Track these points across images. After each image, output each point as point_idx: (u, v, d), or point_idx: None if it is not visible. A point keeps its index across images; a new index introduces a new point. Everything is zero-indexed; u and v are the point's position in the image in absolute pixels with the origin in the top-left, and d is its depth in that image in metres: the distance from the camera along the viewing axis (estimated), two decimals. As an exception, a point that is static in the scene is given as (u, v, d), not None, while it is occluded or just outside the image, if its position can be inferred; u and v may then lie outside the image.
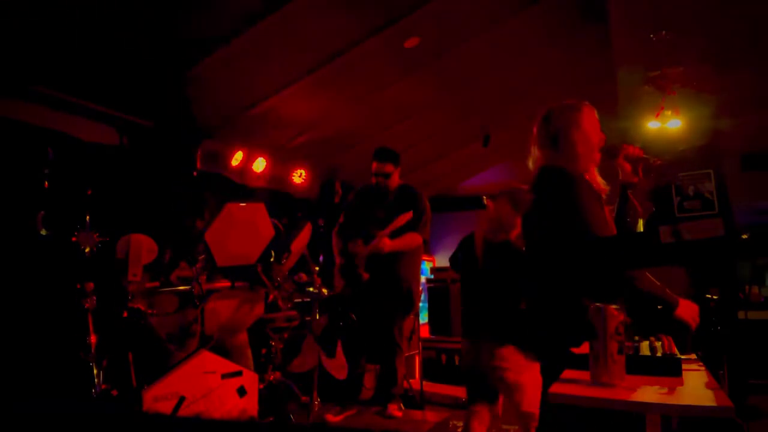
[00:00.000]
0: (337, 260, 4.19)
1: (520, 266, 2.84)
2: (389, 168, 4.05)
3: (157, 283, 3.02)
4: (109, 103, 3.75)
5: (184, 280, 3.19)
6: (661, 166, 2.22)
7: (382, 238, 3.83)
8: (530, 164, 2.36)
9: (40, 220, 2.62)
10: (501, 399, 3.02)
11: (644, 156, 2.31)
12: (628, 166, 2.34)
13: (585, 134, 2.25)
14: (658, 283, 1.97)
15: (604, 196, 2.24)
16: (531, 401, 2.79)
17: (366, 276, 3.94)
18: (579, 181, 2.13)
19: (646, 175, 2.29)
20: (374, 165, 4.06)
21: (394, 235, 3.88)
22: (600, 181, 2.27)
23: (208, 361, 2.82)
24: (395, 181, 4.13)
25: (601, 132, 2.31)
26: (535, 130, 2.36)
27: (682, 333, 2.04)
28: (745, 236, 1.51)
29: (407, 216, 3.84)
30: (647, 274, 2.00)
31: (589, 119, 2.30)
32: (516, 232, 2.99)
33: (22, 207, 3.00)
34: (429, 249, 4.48)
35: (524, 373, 2.81)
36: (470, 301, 3.10)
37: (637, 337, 1.91)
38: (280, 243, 3.42)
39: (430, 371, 5.51)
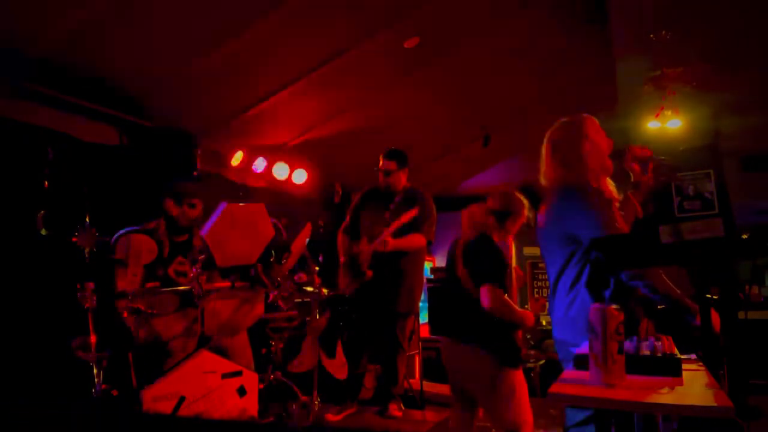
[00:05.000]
0: (342, 259, 4.20)
1: (490, 261, 2.84)
2: (392, 166, 4.06)
3: (157, 283, 3.02)
4: (108, 103, 3.75)
5: (181, 274, 3.19)
6: (666, 165, 2.25)
7: (386, 236, 3.84)
8: (542, 180, 2.41)
9: (40, 220, 2.62)
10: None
11: (651, 155, 2.34)
12: (637, 167, 2.37)
13: (593, 144, 2.30)
14: (678, 290, 2.01)
15: (616, 204, 2.29)
16: (508, 406, 2.78)
17: (370, 274, 3.94)
18: (590, 190, 2.18)
19: (656, 174, 2.32)
20: (381, 162, 4.09)
21: (398, 235, 3.89)
22: (612, 189, 2.31)
23: (208, 361, 2.82)
24: (401, 182, 4.14)
25: (608, 138, 2.35)
26: (543, 148, 2.40)
27: (687, 333, 2.06)
28: (745, 236, 1.51)
29: (412, 213, 3.84)
30: (662, 275, 2.04)
31: (594, 129, 2.34)
32: (499, 235, 3.00)
33: (22, 207, 3.00)
34: (429, 249, 4.48)
35: (503, 377, 2.80)
36: (447, 300, 3.10)
37: (635, 337, 1.92)
38: (280, 243, 3.43)
39: (430, 371, 5.52)
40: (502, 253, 2.94)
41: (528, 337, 5.88)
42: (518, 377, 2.85)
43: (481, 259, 2.87)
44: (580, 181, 2.23)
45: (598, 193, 2.21)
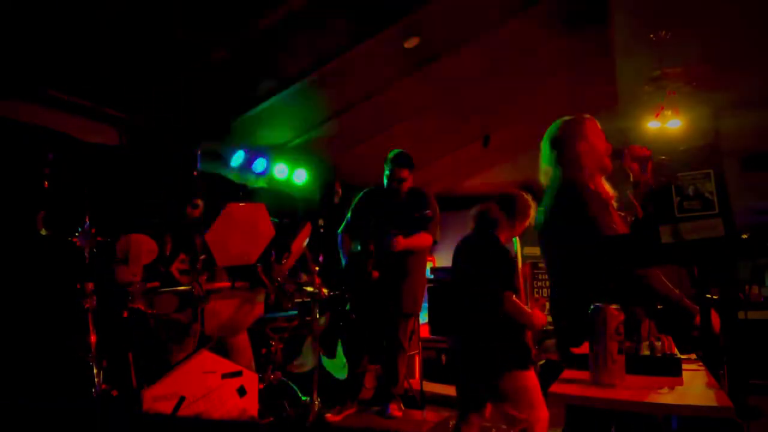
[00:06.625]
0: (344, 259, 4.20)
1: (500, 263, 2.84)
2: (405, 174, 4.06)
3: (157, 283, 3.02)
4: (109, 103, 3.75)
5: (185, 273, 3.19)
6: (665, 165, 2.26)
7: (397, 236, 3.83)
8: (541, 179, 2.42)
9: (40, 220, 2.62)
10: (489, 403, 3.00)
11: (650, 154, 2.35)
12: (636, 166, 2.38)
13: (590, 145, 2.31)
14: (677, 291, 2.02)
15: (613, 203, 2.30)
16: (521, 406, 2.78)
17: (376, 274, 3.93)
18: (587, 191, 2.18)
19: (655, 173, 2.33)
20: (394, 170, 4.04)
21: (405, 235, 3.89)
22: (608, 189, 2.32)
23: (208, 361, 2.82)
24: (407, 185, 4.15)
25: (606, 141, 2.36)
26: (542, 147, 2.42)
27: (687, 333, 2.06)
28: (745, 236, 1.51)
29: (426, 216, 3.84)
30: (661, 276, 2.04)
31: (593, 130, 2.36)
32: (506, 235, 3.00)
33: (22, 207, 3.00)
34: (430, 249, 4.48)
35: (513, 378, 2.79)
36: (456, 301, 3.09)
37: (635, 337, 1.92)
38: (280, 243, 3.42)
39: (430, 371, 5.51)
40: (511, 254, 2.94)
41: (528, 337, 5.88)
42: (529, 377, 2.84)
43: (491, 261, 2.87)
44: (577, 182, 2.24)
45: (594, 193, 2.22)
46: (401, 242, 3.84)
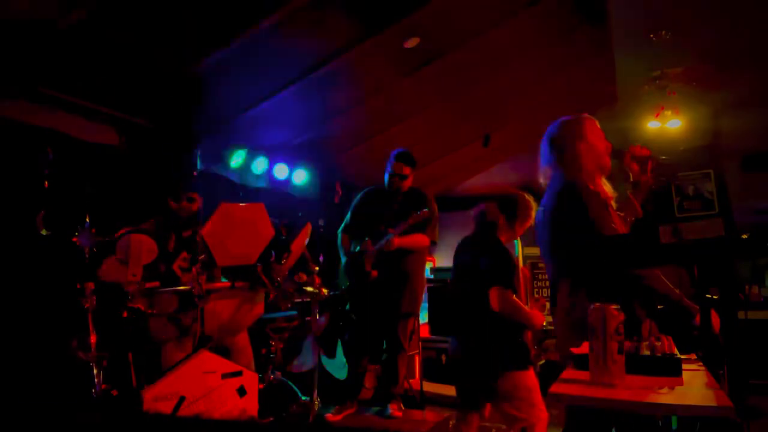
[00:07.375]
0: (344, 258, 4.20)
1: (500, 263, 2.84)
2: (407, 171, 4.07)
3: (157, 283, 3.01)
4: (108, 103, 3.75)
5: (186, 270, 3.20)
6: (666, 165, 2.28)
7: (392, 235, 3.84)
8: (541, 180, 2.42)
9: (40, 220, 2.62)
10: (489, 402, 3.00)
11: (651, 154, 2.35)
12: (636, 166, 2.39)
13: (590, 145, 2.31)
14: (677, 291, 2.02)
15: (612, 203, 2.30)
16: (520, 406, 2.78)
17: (374, 273, 3.94)
18: (586, 191, 2.18)
19: (656, 174, 2.34)
20: (395, 165, 4.06)
21: (402, 235, 3.89)
22: (608, 189, 2.33)
23: (208, 361, 2.82)
24: (407, 184, 4.15)
25: (606, 140, 2.36)
26: (541, 147, 2.42)
27: (687, 333, 2.07)
28: (745, 236, 1.51)
29: (422, 215, 3.84)
30: (661, 276, 2.05)
31: (592, 130, 2.35)
32: (507, 236, 3.00)
33: (22, 207, 3.00)
34: (431, 249, 4.48)
35: (512, 378, 2.79)
36: (458, 301, 3.09)
37: (635, 337, 1.92)
38: (280, 243, 3.42)
39: (430, 371, 5.52)
40: (511, 254, 2.94)
41: (528, 337, 5.88)
42: (529, 377, 2.84)
43: (491, 260, 2.86)
44: (576, 182, 2.24)
45: (593, 194, 2.22)
46: (395, 241, 3.84)
